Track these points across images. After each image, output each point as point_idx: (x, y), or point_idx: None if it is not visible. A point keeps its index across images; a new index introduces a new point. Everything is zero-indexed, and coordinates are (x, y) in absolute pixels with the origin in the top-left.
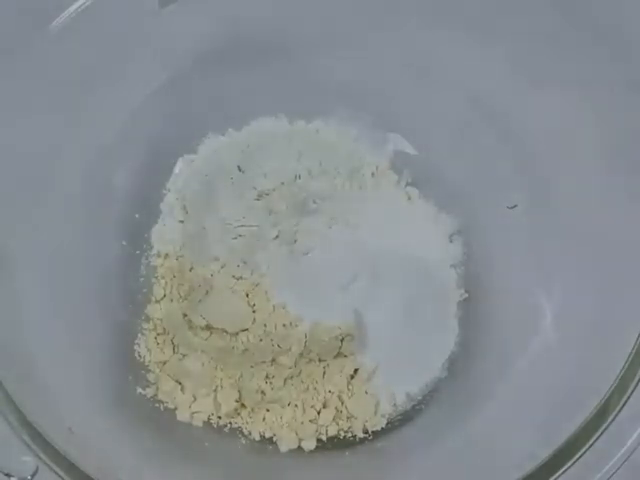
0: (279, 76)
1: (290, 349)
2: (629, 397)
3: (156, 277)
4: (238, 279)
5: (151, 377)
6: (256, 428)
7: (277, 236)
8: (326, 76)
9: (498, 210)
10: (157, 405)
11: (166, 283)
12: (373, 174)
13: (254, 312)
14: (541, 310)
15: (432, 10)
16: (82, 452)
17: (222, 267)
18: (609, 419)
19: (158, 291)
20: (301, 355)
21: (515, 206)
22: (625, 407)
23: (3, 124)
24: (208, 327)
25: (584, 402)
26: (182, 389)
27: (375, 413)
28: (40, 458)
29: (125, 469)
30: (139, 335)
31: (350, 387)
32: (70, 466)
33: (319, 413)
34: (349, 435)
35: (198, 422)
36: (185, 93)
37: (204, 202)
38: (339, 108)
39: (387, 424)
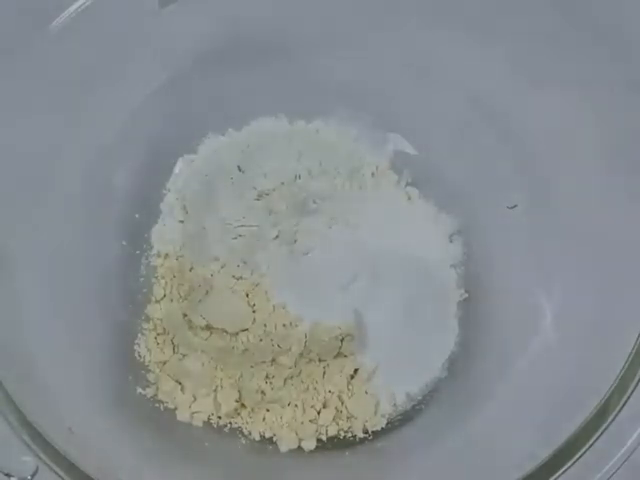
0: (279, 76)
1: (290, 349)
2: (629, 397)
3: (156, 277)
4: (238, 279)
5: (151, 377)
6: (256, 428)
7: (277, 236)
8: (326, 76)
9: (498, 210)
10: (157, 405)
11: (166, 283)
12: (373, 174)
13: (254, 312)
14: (541, 310)
15: (432, 10)
16: (82, 452)
17: (222, 267)
18: (609, 419)
19: (158, 291)
20: (301, 355)
21: (515, 206)
22: (625, 407)
23: (3, 124)
24: (208, 327)
25: (584, 402)
26: (182, 389)
27: (375, 413)
28: (40, 458)
29: (125, 469)
30: (139, 335)
31: (350, 387)
32: (70, 466)
33: (319, 413)
34: (349, 435)
35: (198, 422)
36: (185, 93)
37: (204, 202)
38: (339, 108)
39: (387, 424)
